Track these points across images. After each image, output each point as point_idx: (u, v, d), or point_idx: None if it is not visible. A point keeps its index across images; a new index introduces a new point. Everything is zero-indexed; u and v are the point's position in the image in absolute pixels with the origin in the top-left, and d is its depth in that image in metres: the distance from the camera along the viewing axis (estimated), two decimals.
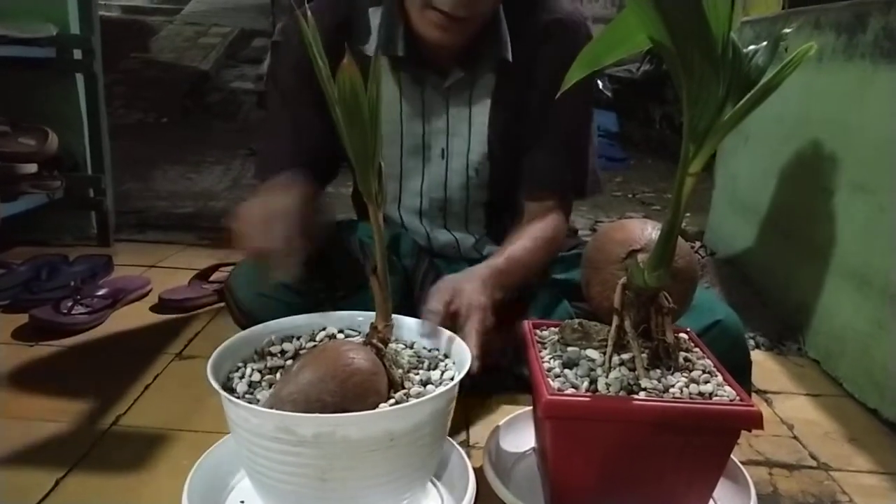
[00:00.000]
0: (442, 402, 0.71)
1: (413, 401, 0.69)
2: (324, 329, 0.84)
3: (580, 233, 1.75)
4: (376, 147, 0.70)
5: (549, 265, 1.20)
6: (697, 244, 1.99)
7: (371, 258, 1.09)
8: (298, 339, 0.82)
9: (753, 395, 1.20)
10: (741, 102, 0.67)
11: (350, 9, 1.10)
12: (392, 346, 0.79)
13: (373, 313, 0.77)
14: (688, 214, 2.69)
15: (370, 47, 1.09)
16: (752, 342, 1.44)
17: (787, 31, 0.72)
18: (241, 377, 0.73)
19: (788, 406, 1.20)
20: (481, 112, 1.13)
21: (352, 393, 0.67)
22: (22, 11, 1.73)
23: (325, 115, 1.04)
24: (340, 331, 0.84)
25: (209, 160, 3.92)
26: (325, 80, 0.69)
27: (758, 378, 1.26)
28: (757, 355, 1.39)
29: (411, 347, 0.84)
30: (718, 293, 1.69)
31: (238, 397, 0.69)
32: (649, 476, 0.75)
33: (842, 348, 1.27)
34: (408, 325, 0.86)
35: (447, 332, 0.84)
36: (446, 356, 0.82)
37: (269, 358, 0.77)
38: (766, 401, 1.21)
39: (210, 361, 0.71)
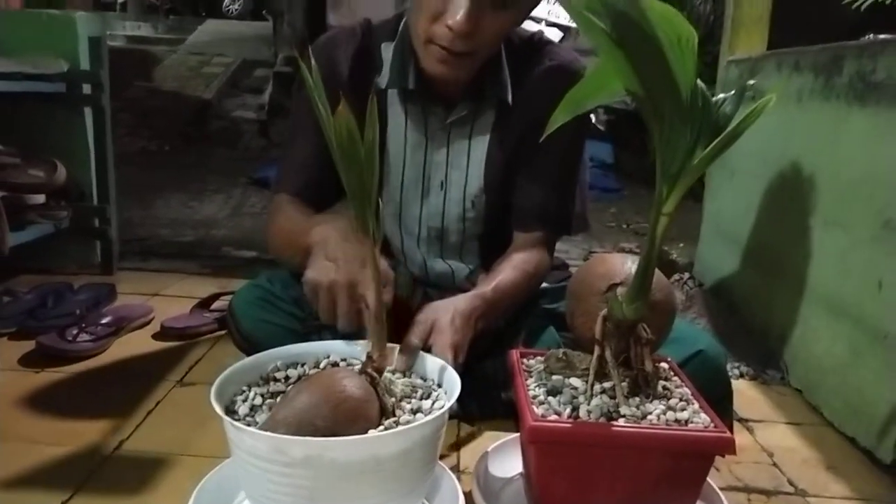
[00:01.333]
0: (428, 430, 0.74)
1: (399, 428, 0.72)
2: (328, 357, 0.88)
3: (574, 262, 1.79)
4: (373, 188, 0.75)
5: (537, 296, 1.25)
6: (686, 275, 2.03)
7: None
8: (303, 365, 0.86)
9: (736, 423, 1.24)
10: (709, 147, 0.72)
11: (366, 42, 1.18)
12: (387, 374, 0.83)
13: (391, 345, 0.82)
14: (681, 244, 2.77)
15: (382, 80, 1.16)
16: (736, 371, 1.48)
17: (752, 82, 0.78)
18: (245, 400, 0.77)
19: (769, 434, 1.23)
20: (480, 148, 1.19)
21: (343, 418, 0.71)
22: (35, 47, 1.80)
23: None
24: (343, 359, 0.88)
25: (210, 188, 3.99)
26: (325, 122, 0.74)
27: (741, 406, 1.31)
28: (741, 384, 1.43)
29: (408, 377, 0.88)
30: (706, 323, 1.74)
31: (238, 419, 0.73)
32: (628, 498, 0.79)
33: (821, 377, 1.31)
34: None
35: (439, 362, 0.88)
36: (439, 385, 0.86)
37: (272, 383, 0.82)
38: (748, 429, 1.25)
39: (215, 384, 0.75)
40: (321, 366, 0.86)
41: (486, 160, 1.19)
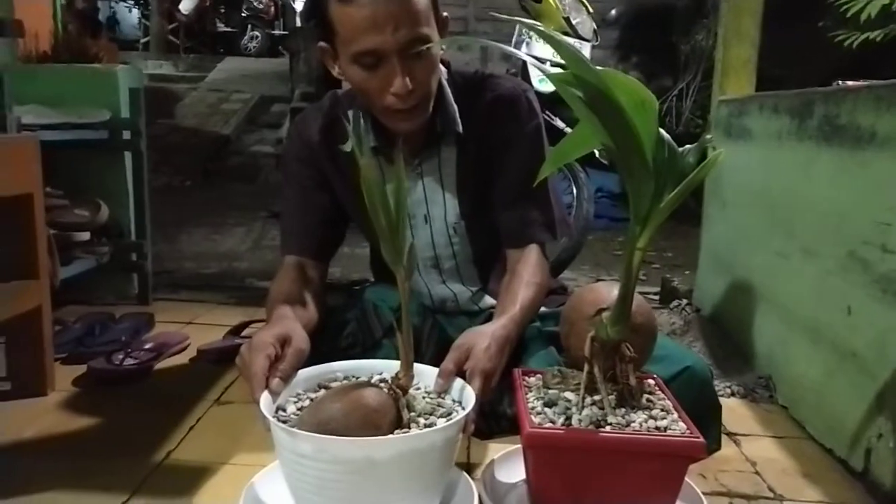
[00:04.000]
0: (421, 443, 0.86)
1: (390, 436, 0.86)
2: (381, 374, 1.01)
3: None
4: (403, 231, 0.90)
5: (541, 319, 1.38)
6: (684, 301, 2.14)
7: (383, 319, 1.29)
8: (358, 378, 1.01)
9: (724, 436, 1.34)
10: (674, 192, 0.85)
11: (333, 112, 1.33)
12: (413, 392, 0.97)
13: (422, 366, 0.99)
14: (686, 272, 2.87)
15: (349, 144, 1.30)
16: (728, 390, 1.59)
17: (709, 136, 0.91)
18: (296, 402, 0.93)
19: (755, 446, 1.34)
20: (450, 180, 1.33)
21: (353, 423, 0.85)
22: (80, 98, 1.98)
23: (329, 193, 1.32)
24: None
25: (230, 222, 4.15)
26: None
27: (730, 422, 1.42)
28: (732, 402, 1.54)
29: (442, 397, 0.99)
30: (702, 347, 1.85)
31: (286, 417, 0.90)
32: (614, 495, 0.91)
33: (802, 395, 1.43)
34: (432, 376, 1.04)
35: (461, 381, 1.01)
36: (461, 404, 0.98)
37: (324, 391, 0.96)
38: (735, 442, 1.36)
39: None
40: (373, 380, 0.99)
41: (457, 190, 1.33)
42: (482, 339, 1.09)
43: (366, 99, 1.21)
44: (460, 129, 1.29)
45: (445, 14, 1.24)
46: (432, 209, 1.35)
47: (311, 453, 0.82)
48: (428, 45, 1.12)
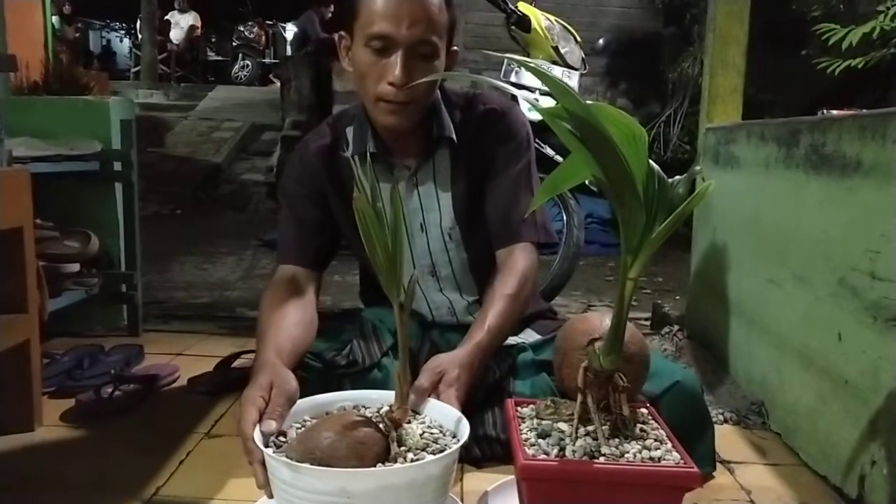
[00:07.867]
0: (399, 478, 0.86)
1: (365, 469, 0.85)
2: (390, 406, 1.00)
3: (572, 315, 1.91)
4: (401, 259, 0.90)
5: (533, 348, 1.38)
6: (676, 328, 2.15)
7: (383, 341, 1.31)
8: (367, 408, 1.01)
9: (718, 464, 1.34)
10: (664, 223, 0.86)
11: (333, 132, 1.42)
12: (416, 425, 0.97)
13: (429, 399, 1.01)
14: (677, 297, 2.87)
15: (348, 153, 1.37)
16: (721, 417, 1.58)
17: (698, 168, 0.92)
18: (300, 428, 0.94)
19: (749, 474, 1.34)
20: (444, 188, 1.39)
21: (338, 453, 0.85)
22: (72, 130, 1.98)
23: (323, 213, 1.38)
24: None
25: (222, 251, 4.13)
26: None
27: (723, 449, 1.41)
28: (724, 429, 1.54)
29: (443, 433, 0.99)
30: (694, 373, 1.85)
31: (285, 441, 0.91)
32: None
33: (796, 422, 1.43)
34: (438, 410, 1.05)
35: (458, 413, 1.01)
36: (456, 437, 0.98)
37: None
38: (728, 469, 1.35)
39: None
40: (381, 411, 0.99)
41: (452, 196, 1.39)
42: (452, 369, 1.15)
43: (363, 87, 1.27)
44: (454, 136, 1.35)
45: (455, 48, 1.33)
46: (428, 216, 1.40)
47: (290, 480, 0.83)
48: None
